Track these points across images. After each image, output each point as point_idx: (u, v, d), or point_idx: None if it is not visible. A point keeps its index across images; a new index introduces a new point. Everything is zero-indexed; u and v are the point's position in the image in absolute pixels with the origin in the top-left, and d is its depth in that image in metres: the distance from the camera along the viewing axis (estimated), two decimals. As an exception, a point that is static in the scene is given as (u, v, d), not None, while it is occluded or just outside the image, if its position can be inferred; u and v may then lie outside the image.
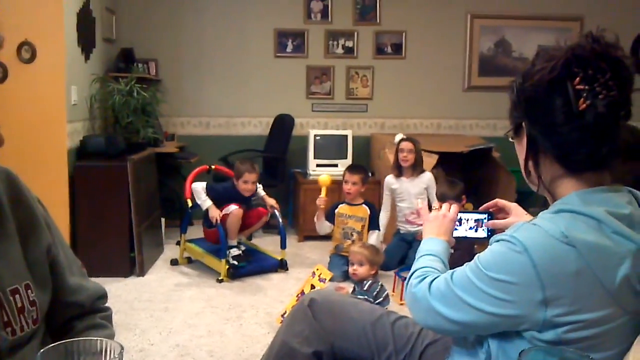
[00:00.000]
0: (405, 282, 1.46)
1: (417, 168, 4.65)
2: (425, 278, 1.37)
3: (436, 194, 4.13)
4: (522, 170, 1.35)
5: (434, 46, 6.21)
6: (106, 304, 1.50)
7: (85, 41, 4.68)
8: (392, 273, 4.20)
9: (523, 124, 1.30)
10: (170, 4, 5.88)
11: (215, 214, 4.37)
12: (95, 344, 0.86)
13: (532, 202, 4.53)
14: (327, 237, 4.89)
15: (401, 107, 6.25)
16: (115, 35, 5.62)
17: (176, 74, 5.94)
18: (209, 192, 4.48)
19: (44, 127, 4.10)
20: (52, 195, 3.89)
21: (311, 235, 5.36)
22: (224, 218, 4.38)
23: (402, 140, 4.74)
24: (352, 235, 4.53)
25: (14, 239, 1.28)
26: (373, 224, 4.56)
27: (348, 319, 1.67)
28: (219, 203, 4.46)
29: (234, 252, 4.37)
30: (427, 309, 1.32)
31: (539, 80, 1.22)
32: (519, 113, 1.30)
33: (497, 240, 1.24)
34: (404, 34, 6.16)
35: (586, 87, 1.18)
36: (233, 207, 4.38)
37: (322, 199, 4.47)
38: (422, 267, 1.44)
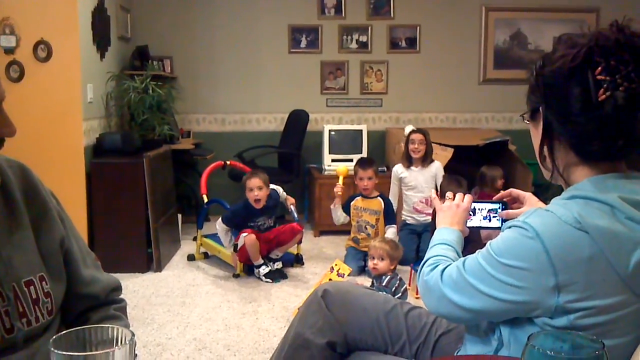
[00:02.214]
0: (418, 271, 1.46)
1: (426, 159, 4.67)
2: (437, 266, 1.37)
3: (443, 193, 4.08)
4: (537, 155, 1.34)
5: (448, 40, 6.18)
6: (120, 296, 1.52)
7: (101, 39, 4.71)
8: (407, 267, 4.18)
9: (540, 108, 1.28)
10: (184, 2, 5.91)
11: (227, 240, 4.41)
12: (107, 331, 0.87)
13: (550, 195, 4.50)
14: (343, 232, 4.90)
15: (416, 101, 6.23)
16: (130, 33, 5.65)
17: (191, 71, 5.97)
18: (226, 222, 4.38)
19: (60, 125, 4.14)
20: (69, 192, 3.92)
21: (327, 230, 5.38)
22: (242, 249, 4.28)
23: (412, 131, 4.75)
24: (366, 228, 4.53)
25: (27, 231, 1.29)
26: (389, 217, 4.54)
27: (361, 309, 1.67)
28: (239, 226, 4.38)
29: (263, 270, 4.23)
30: (440, 297, 1.32)
31: (560, 67, 1.20)
32: (536, 97, 1.29)
33: (510, 227, 1.23)
34: (418, 28, 6.14)
35: (607, 77, 1.15)
36: (244, 236, 4.21)
37: (339, 186, 4.53)
38: (434, 256, 1.44)
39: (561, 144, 1.27)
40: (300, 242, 4.58)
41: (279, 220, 4.71)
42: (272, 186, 4.50)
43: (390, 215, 4.56)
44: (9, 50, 4.08)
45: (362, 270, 4.32)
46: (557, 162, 1.29)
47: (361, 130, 5.73)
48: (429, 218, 4.37)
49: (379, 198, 4.57)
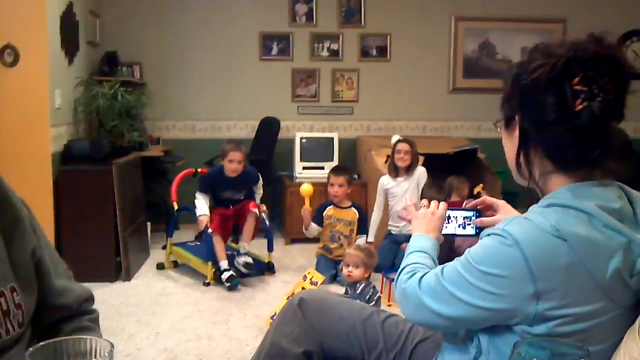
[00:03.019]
0: (395, 278, 1.46)
1: (411, 168, 4.66)
2: (415, 274, 1.37)
3: (425, 198, 4.10)
4: (512, 163, 1.35)
5: (418, 48, 6.24)
6: (93, 307, 1.49)
7: (69, 44, 4.64)
8: (378, 275, 4.19)
9: (516, 117, 1.30)
10: (154, 7, 5.85)
11: (204, 219, 4.36)
12: (85, 343, 0.85)
13: (519, 203, 4.55)
14: (314, 240, 4.88)
15: (387, 109, 6.27)
16: (99, 39, 5.58)
17: (161, 77, 5.91)
18: (201, 184, 4.51)
19: (27, 131, 4.06)
20: (37, 199, 3.82)
21: (298, 238, 5.36)
22: (214, 226, 4.35)
23: (398, 141, 4.74)
24: (339, 238, 4.52)
25: None
26: (362, 227, 4.56)
27: (338, 317, 1.66)
28: (212, 190, 4.51)
29: (225, 275, 4.20)
30: (417, 305, 1.32)
31: (538, 77, 1.21)
32: (512, 106, 1.30)
33: (488, 234, 1.23)
34: (388, 36, 6.18)
35: (584, 88, 1.17)
36: (209, 233, 4.32)
37: (306, 210, 4.47)
38: (411, 264, 1.44)
39: (537, 152, 1.28)
40: (271, 249, 4.57)
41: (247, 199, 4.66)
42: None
43: (363, 224, 4.57)
44: (-26, 55, 3.99)
45: (334, 279, 4.32)
46: (532, 170, 1.30)
47: (332, 138, 5.74)
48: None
49: (352, 208, 4.58)
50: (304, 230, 4.58)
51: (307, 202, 4.47)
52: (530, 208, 1.24)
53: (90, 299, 1.47)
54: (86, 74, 5.13)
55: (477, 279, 1.20)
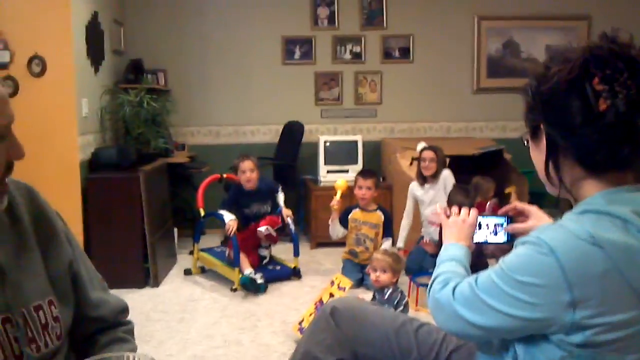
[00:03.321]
0: (428, 287, 1.45)
1: (438, 175, 4.62)
2: (448, 283, 1.36)
3: (453, 203, 4.02)
4: (542, 174, 1.34)
5: (441, 49, 6.21)
6: (128, 318, 1.50)
7: (95, 53, 4.70)
8: (406, 278, 4.17)
9: (541, 126, 1.29)
10: (177, 14, 5.90)
11: (232, 223, 4.39)
12: (128, 359, 0.86)
13: (545, 203, 4.51)
14: (340, 244, 4.88)
15: (410, 111, 6.25)
16: (124, 47, 5.64)
17: (185, 83, 5.96)
18: (223, 206, 4.58)
19: (55, 140, 4.11)
20: (65, 208, 3.84)
21: (323, 242, 5.36)
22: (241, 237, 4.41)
23: (424, 149, 4.71)
24: (364, 241, 4.51)
25: (35, 254, 1.28)
26: (387, 230, 4.54)
27: (371, 326, 1.66)
28: (238, 209, 4.55)
29: (250, 277, 4.22)
30: (451, 314, 1.31)
31: (557, 83, 1.21)
32: (535, 115, 1.29)
33: (523, 243, 1.22)
34: (411, 37, 6.16)
35: (605, 87, 1.17)
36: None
37: (336, 200, 4.48)
38: (444, 272, 1.43)
39: (566, 158, 1.27)
40: (297, 254, 4.59)
41: (274, 212, 4.70)
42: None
43: (388, 228, 4.55)
44: (2, 66, 4.05)
45: (361, 283, 4.31)
46: (563, 177, 1.29)
47: (356, 141, 5.73)
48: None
49: (378, 211, 4.56)
50: (329, 228, 4.58)
51: (338, 194, 4.50)
52: (565, 215, 1.23)
53: (125, 310, 1.49)
54: (112, 83, 5.19)
55: (512, 288, 1.19)
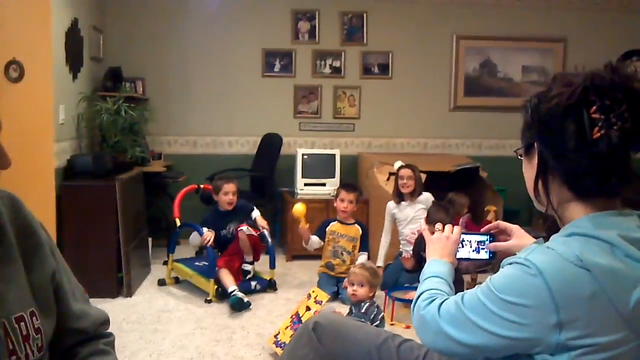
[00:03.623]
0: (412, 304, 1.46)
1: (415, 193, 4.64)
2: (433, 300, 1.37)
3: (432, 220, 4.02)
4: (530, 190, 1.36)
5: (420, 66, 6.27)
6: (108, 329, 1.49)
7: (73, 60, 4.65)
8: (382, 293, 4.18)
9: (535, 144, 1.31)
10: (157, 23, 5.87)
11: (208, 234, 4.40)
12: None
13: (519, 222, 4.57)
14: (316, 256, 4.88)
15: (388, 126, 6.29)
16: (103, 54, 5.59)
17: (163, 92, 5.92)
18: (204, 225, 4.53)
19: (31, 146, 4.05)
20: (39, 215, 3.74)
21: (299, 255, 5.36)
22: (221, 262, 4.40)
23: (401, 167, 4.75)
24: (342, 254, 4.53)
25: (18, 264, 1.26)
26: (364, 244, 4.57)
27: (353, 342, 1.66)
28: (215, 230, 4.53)
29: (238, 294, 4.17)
30: (437, 332, 1.32)
31: (556, 105, 1.24)
32: (531, 133, 1.32)
33: (510, 263, 1.24)
34: (390, 54, 6.21)
35: (602, 116, 1.19)
36: (216, 271, 4.34)
37: (303, 228, 4.47)
38: (429, 289, 1.44)
39: (555, 179, 1.29)
40: (273, 266, 4.57)
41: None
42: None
43: (364, 242, 4.58)
44: (-21, 70, 3.99)
45: (336, 297, 4.31)
46: (551, 197, 1.31)
47: (334, 155, 5.74)
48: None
49: (356, 225, 4.59)
50: (303, 244, 4.59)
51: (302, 221, 4.47)
52: (552, 237, 1.25)
53: (106, 322, 1.47)
54: (89, 90, 5.14)
55: (499, 308, 1.21)
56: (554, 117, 1.25)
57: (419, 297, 1.43)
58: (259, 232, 4.56)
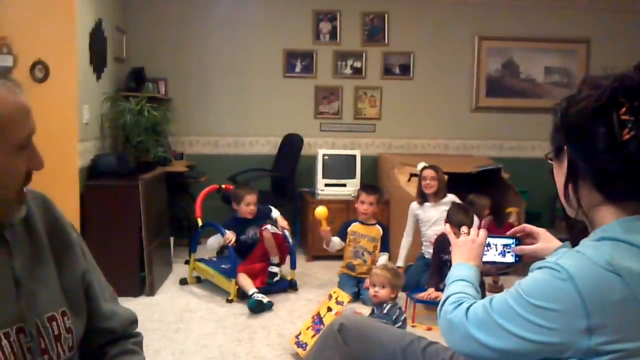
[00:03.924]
0: (439, 307, 1.46)
1: (439, 194, 4.63)
2: (461, 304, 1.37)
3: (451, 221, 3.96)
4: (561, 194, 1.35)
5: (441, 67, 6.25)
6: (137, 329, 1.50)
7: (97, 60, 4.70)
8: (403, 294, 4.17)
9: (564, 147, 1.31)
10: (179, 24, 5.92)
11: (230, 235, 4.43)
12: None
13: (541, 224, 4.54)
14: (336, 257, 4.89)
15: (409, 127, 6.28)
16: (126, 55, 5.64)
17: (185, 93, 5.96)
18: (228, 228, 4.56)
19: (56, 146, 4.08)
20: (63, 213, 3.87)
21: (320, 255, 5.36)
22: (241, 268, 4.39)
23: (424, 168, 4.74)
24: (363, 254, 4.53)
25: (50, 264, 1.28)
26: (384, 245, 4.57)
27: (378, 344, 1.66)
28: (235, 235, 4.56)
29: (256, 297, 4.13)
30: (464, 336, 1.32)
31: (585, 107, 1.23)
32: (561, 137, 1.31)
33: (540, 267, 1.23)
34: (411, 55, 6.20)
35: (631, 118, 1.18)
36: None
37: (325, 230, 4.48)
38: (455, 293, 1.44)
39: (585, 183, 1.28)
40: (293, 267, 4.59)
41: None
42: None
43: (385, 243, 4.57)
44: (5, 70, 4.04)
45: (357, 297, 4.31)
46: (581, 201, 1.30)
47: (355, 155, 5.74)
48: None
49: (377, 225, 4.59)
50: (324, 246, 4.60)
51: (324, 224, 4.47)
52: (582, 241, 1.24)
53: (134, 322, 1.49)
54: (113, 90, 5.19)
55: (528, 312, 1.20)
56: (583, 120, 1.24)
57: (445, 300, 1.43)
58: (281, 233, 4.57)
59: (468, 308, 1.34)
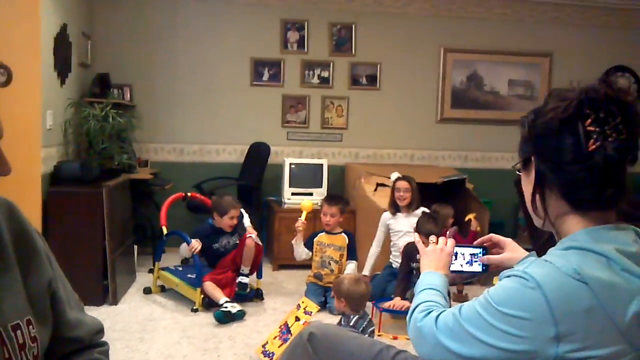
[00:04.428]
0: (408, 316, 1.46)
1: (412, 205, 4.66)
2: (430, 312, 1.38)
3: (421, 231, 3.99)
4: (528, 204, 1.38)
5: (407, 78, 6.31)
6: (103, 339, 1.48)
7: (62, 65, 4.63)
8: (369, 303, 4.18)
9: (532, 158, 1.33)
10: (146, 30, 5.86)
11: (195, 243, 4.38)
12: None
13: (504, 234, 4.60)
14: (302, 266, 4.88)
15: (375, 137, 6.32)
16: (91, 60, 5.56)
17: (151, 99, 5.90)
18: (195, 236, 4.51)
19: (18, 151, 3.94)
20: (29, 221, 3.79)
21: (286, 264, 5.35)
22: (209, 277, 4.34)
23: (398, 179, 4.75)
24: (329, 264, 4.53)
25: (15, 272, 1.25)
26: (351, 253, 4.58)
27: (348, 354, 1.66)
28: (205, 243, 4.50)
29: (226, 308, 4.10)
30: (434, 344, 1.33)
31: (552, 119, 1.26)
32: (528, 148, 1.34)
33: (508, 276, 1.25)
34: (378, 65, 6.25)
35: (597, 128, 1.21)
36: (204, 284, 4.28)
37: (301, 222, 4.48)
38: (425, 302, 1.45)
39: (552, 192, 1.31)
40: (260, 276, 4.57)
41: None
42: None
43: (352, 250, 4.58)
44: (-33, 73, 3.96)
45: (323, 306, 4.30)
46: (548, 210, 1.33)
47: (322, 165, 5.75)
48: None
49: (343, 234, 4.61)
50: (293, 248, 4.58)
51: (303, 215, 4.50)
52: (550, 250, 1.26)
53: (101, 331, 1.46)
54: (77, 96, 5.11)
55: (497, 320, 1.22)
56: (550, 131, 1.27)
57: (415, 308, 1.44)
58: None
59: (437, 316, 1.35)
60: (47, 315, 1.30)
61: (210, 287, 4.26)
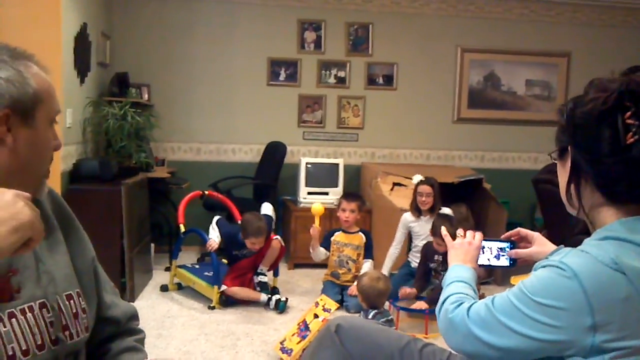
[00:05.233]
0: (437, 307, 1.46)
1: (434, 209, 4.60)
2: (461, 303, 1.37)
3: (438, 234, 3.96)
4: (563, 194, 1.37)
5: (424, 78, 6.30)
6: (139, 325, 1.50)
7: (81, 65, 4.66)
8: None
9: (569, 148, 1.32)
10: (164, 30, 5.89)
11: (212, 242, 4.38)
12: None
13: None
14: (318, 265, 4.88)
15: (391, 137, 6.31)
16: (110, 60, 5.60)
17: (168, 99, 5.93)
18: (219, 225, 4.52)
19: (38, 149, 4.04)
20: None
21: (302, 263, 5.35)
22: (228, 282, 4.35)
23: (420, 182, 4.69)
24: (347, 263, 4.53)
25: (63, 247, 1.29)
26: (368, 252, 4.57)
27: (375, 345, 1.66)
28: (228, 241, 4.51)
29: (273, 299, 4.25)
30: (466, 335, 1.32)
31: (591, 110, 1.25)
32: (565, 137, 1.33)
33: (544, 266, 1.24)
34: (395, 65, 6.24)
35: (636, 122, 1.20)
36: (225, 289, 4.31)
37: (316, 228, 4.45)
38: (455, 293, 1.44)
39: (588, 183, 1.30)
40: (276, 274, 4.58)
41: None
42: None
43: (369, 249, 4.58)
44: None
45: (340, 304, 4.30)
46: (583, 201, 1.32)
47: (338, 164, 5.75)
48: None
49: (360, 233, 4.59)
50: (311, 253, 4.58)
51: (317, 220, 4.47)
52: (586, 241, 1.25)
53: (135, 316, 1.49)
54: (96, 95, 5.15)
55: (532, 310, 1.21)
56: (588, 122, 1.26)
57: (445, 300, 1.43)
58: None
59: (469, 307, 1.34)
60: (92, 291, 1.35)
61: (243, 291, 4.31)
